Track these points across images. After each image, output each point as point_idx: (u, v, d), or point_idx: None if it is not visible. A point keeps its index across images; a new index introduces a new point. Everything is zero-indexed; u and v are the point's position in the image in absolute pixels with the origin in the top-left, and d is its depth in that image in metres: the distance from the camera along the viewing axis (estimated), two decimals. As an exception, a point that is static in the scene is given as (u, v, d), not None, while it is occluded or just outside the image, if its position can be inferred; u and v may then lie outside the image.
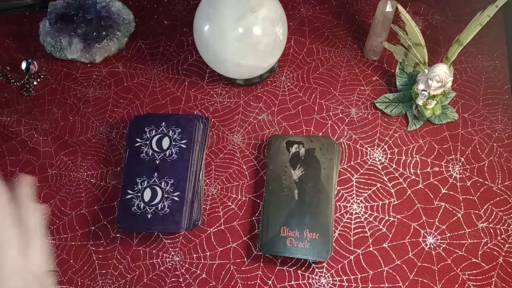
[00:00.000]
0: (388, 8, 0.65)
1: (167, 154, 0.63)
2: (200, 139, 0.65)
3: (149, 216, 0.60)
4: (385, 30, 0.69)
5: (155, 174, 0.61)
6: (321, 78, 0.75)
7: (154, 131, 0.65)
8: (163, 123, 0.64)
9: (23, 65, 0.78)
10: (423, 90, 0.65)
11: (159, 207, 0.60)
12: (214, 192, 0.67)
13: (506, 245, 0.62)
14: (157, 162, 0.62)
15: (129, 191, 0.62)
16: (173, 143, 0.63)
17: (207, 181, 0.68)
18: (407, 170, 0.67)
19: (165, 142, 0.63)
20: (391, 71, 0.74)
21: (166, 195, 0.60)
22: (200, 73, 0.77)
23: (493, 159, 0.67)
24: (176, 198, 0.60)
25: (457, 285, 0.60)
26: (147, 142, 0.64)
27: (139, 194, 0.61)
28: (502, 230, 0.62)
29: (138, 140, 0.64)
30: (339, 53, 0.77)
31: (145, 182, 0.61)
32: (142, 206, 0.61)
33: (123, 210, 0.62)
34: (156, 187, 0.61)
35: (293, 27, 0.80)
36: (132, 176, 0.62)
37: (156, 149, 0.63)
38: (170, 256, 0.64)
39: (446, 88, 0.65)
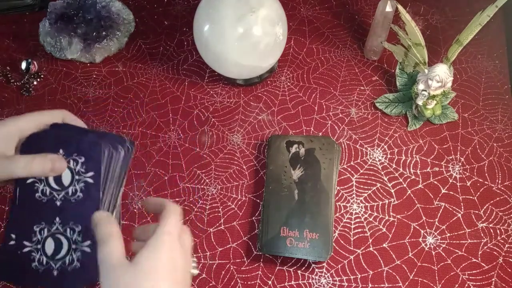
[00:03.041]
0: (388, 8, 0.66)
1: (70, 192, 0.47)
2: (117, 172, 0.48)
3: (55, 273, 0.47)
4: (385, 30, 0.69)
5: (57, 219, 0.47)
6: (321, 78, 0.75)
7: None
8: (61, 150, 0.46)
9: (23, 65, 0.78)
10: (423, 90, 0.65)
11: (67, 261, 0.47)
12: (214, 192, 0.67)
13: (506, 245, 0.62)
14: (58, 203, 0.46)
15: (26, 243, 0.47)
16: (76, 177, 0.46)
17: (207, 181, 0.68)
18: (407, 170, 0.67)
19: (66, 177, 0.47)
20: (391, 71, 0.74)
21: (74, 246, 0.46)
22: (200, 73, 0.77)
23: (493, 159, 0.67)
24: (87, 249, 0.47)
25: (457, 285, 0.60)
26: (42, 178, 0.46)
27: (39, 246, 0.47)
28: (502, 230, 0.62)
29: None
30: (339, 53, 0.77)
31: (45, 231, 0.47)
32: (45, 261, 0.47)
33: (20, 268, 0.47)
34: (60, 236, 0.47)
35: (293, 27, 0.80)
36: (28, 223, 0.47)
37: (54, 186, 0.46)
38: (170, 256, 0.64)
39: (446, 88, 0.65)
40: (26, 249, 0.47)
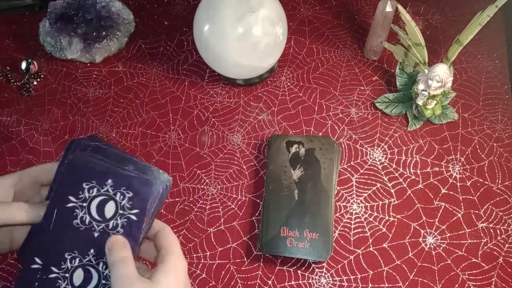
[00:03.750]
0: (388, 8, 0.66)
1: (111, 225, 0.45)
2: (154, 208, 0.46)
3: None
4: (385, 30, 0.69)
5: (92, 250, 0.44)
6: (321, 78, 0.75)
7: (95, 190, 0.45)
8: (109, 181, 0.44)
9: (23, 65, 0.78)
10: (423, 90, 0.65)
11: None
12: (214, 192, 0.67)
13: (506, 245, 0.62)
14: (96, 234, 0.44)
15: (54, 269, 0.44)
16: (120, 211, 0.44)
17: (207, 181, 0.68)
18: (407, 170, 0.67)
19: (110, 209, 0.45)
20: (391, 71, 0.75)
21: (104, 281, 0.44)
22: (200, 73, 0.77)
23: (493, 159, 0.67)
24: None
25: (457, 285, 0.60)
26: (84, 205, 0.44)
27: (67, 275, 0.44)
28: (502, 230, 0.62)
29: (72, 199, 0.44)
30: (339, 53, 0.77)
31: (77, 260, 0.44)
32: None
33: None
34: (91, 268, 0.44)
35: (293, 27, 0.80)
36: (59, 248, 0.44)
37: (96, 216, 0.44)
38: (170, 256, 0.64)
39: (446, 88, 0.65)
40: (52, 275, 0.44)
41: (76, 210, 0.44)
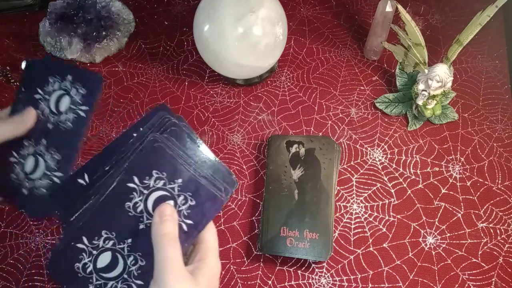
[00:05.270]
0: (388, 8, 0.66)
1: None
2: (208, 222, 0.44)
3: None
4: (385, 30, 0.70)
5: (129, 240, 0.42)
6: (321, 78, 0.75)
7: (162, 183, 0.42)
8: (180, 180, 0.42)
9: (23, 65, 0.78)
10: (423, 90, 0.65)
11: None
12: (214, 192, 0.67)
13: (506, 245, 0.62)
14: (141, 226, 0.42)
15: (85, 240, 0.42)
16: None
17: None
18: (407, 170, 0.67)
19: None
20: (391, 71, 0.75)
21: (125, 276, 0.42)
22: (200, 73, 0.77)
23: (493, 159, 0.67)
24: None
25: (457, 285, 0.60)
26: (145, 192, 0.43)
27: (94, 252, 0.42)
28: (502, 230, 0.62)
29: (136, 180, 0.42)
30: (339, 53, 0.77)
31: (110, 242, 0.42)
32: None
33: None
34: (119, 256, 0.42)
35: (293, 27, 0.80)
36: (100, 222, 0.43)
37: (150, 209, 0.42)
38: (170, 256, 0.64)
39: (446, 88, 0.65)
40: (79, 245, 0.41)
41: (134, 193, 0.41)
